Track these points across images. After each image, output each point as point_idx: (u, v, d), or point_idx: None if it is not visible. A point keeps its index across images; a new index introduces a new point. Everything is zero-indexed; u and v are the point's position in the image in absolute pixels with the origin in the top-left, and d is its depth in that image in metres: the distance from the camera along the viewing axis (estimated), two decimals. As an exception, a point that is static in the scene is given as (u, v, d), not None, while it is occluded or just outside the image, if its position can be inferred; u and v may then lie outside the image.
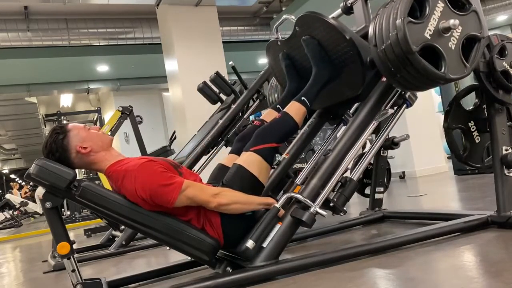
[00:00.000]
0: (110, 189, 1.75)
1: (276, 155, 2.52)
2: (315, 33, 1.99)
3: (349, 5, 2.39)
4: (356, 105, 2.36)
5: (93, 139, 1.74)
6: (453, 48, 1.67)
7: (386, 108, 1.96)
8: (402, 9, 1.61)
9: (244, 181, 1.75)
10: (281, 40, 2.21)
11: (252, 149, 1.80)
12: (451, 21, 1.62)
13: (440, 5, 1.66)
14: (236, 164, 1.81)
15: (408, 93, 1.99)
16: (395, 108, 2.01)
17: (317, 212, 1.69)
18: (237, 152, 1.98)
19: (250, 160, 1.79)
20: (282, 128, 1.89)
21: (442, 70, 1.64)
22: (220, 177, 1.88)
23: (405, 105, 2.00)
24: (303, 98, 1.95)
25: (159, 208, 1.64)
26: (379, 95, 1.94)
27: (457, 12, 1.69)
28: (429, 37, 1.63)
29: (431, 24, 1.64)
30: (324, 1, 6.34)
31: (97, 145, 1.74)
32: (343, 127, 2.08)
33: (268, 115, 2.10)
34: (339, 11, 2.49)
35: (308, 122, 2.37)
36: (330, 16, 2.66)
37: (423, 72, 1.64)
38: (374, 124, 1.92)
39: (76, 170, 1.74)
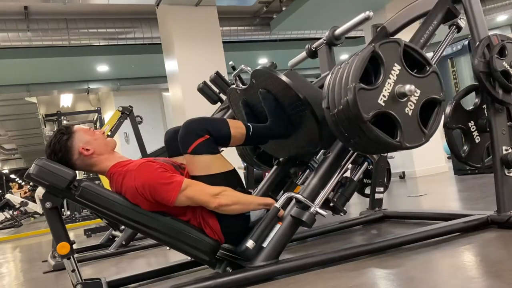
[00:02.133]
0: (110, 189, 1.75)
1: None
2: (270, 88, 1.91)
3: (313, 49, 2.38)
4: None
5: (97, 142, 1.74)
6: (410, 114, 1.58)
7: (346, 165, 1.86)
8: (353, 74, 1.52)
9: (220, 184, 1.69)
10: (240, 89, 2.13)
11: (190, 150, 1.68)
12: (407, 87, 1.54)
13: (397, 68, 1.58)
14: (195, 176, 1.71)
15: None
16: (356, 166, 1.95)
17: (317, 212, 1.69)
18: (176, 153, 1.86)
19: (203, 165, 1.69)
20: (214, 124, 1.76)
21: (398, 138, 1.55)
22: None
23: (366, 163, 1.94)
24: (249, 124, 1.87)
25: (159, 207, 1.64)
26: (337, 152, 1.84)
27: (415, 74, 1.62)
28: (383, 104, 1.54)
29: (385, 90, 1.55)
30: (324, 2, 6.35)
31: (101, 148, 1.74)
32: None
33: None
34: (304, 54, 2.49)
35: (274, 167, 2.32)
36: (294, 59, 2.65)
37: (376, 140, 1.55)
38: (333, 181, 1.81)
39: (76, 171, 1.74)
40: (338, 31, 2.26)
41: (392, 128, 1.57)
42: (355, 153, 1.85)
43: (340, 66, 1.65)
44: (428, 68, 1.66)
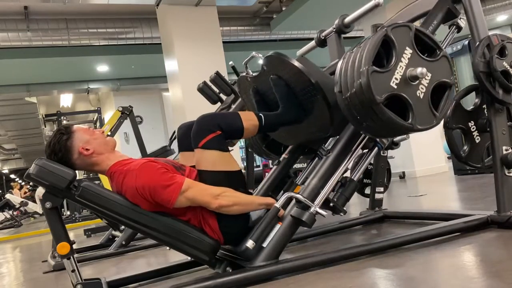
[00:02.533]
0: (110, 189, 1.75)
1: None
2: (282, 74, 1.93)
3: (322, 38, 2.38)
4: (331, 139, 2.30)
5: (96, 141, 1.74)
6: (421, 96, 1.60)
7: (357, 150, 1.88)
8: (366, 57, 1.54)
9: (223, 182, 1.71)
10: (251, 76, 2.14)
11: (201, 145, 1.72)
12: (419, 70, 1.56)
13: (408, 51, 1.60)
14: (201, 170, 1.73)
15: None
16: (367, 150, 1.96)
17: (317, 212, 1.69)
18: (187, 148, 1.88)
19: (210, 160, 1.72)
20: (226, 118, 1.80)
21: (410, 120, 1.57)
22: None
23: (376, 148, 1.95)
24: (261, 114, 1.88)
25: (159, 207, 1.64)
26: (348, 137, 1.86)
27: (426, 58, 1.64)
28: (395, 87, 1.56)
29: (397, 73, 1.57)
30: (324, 2, 6.35)
31: (100, 148, 1.74)
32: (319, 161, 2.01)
33: None
34: (313, 43, 2.49)
35: (282, 156, 2.31)
36: (304, 48, 2.65)
37: (388, 123, 1.57)
38: (343, 167, 1.84)
39: (76, 170, 1.74)
40: (347, 19, 2.26)
41: (403, 111, 1.59)
42: (365, 139, 1.87)
43: (352, 50, 1.66)
44: (438, 52, 1.68)
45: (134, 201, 1.64)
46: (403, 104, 1.59)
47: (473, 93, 2.09)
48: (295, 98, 1.94)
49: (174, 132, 5.56)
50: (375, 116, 1.56)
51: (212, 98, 3.62)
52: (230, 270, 1.73)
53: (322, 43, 2.41)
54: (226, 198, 1.66)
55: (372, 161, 2.75)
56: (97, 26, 6.66)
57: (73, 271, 1.55)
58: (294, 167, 2.49)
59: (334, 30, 2.32)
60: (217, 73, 3.48)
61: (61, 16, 6.45)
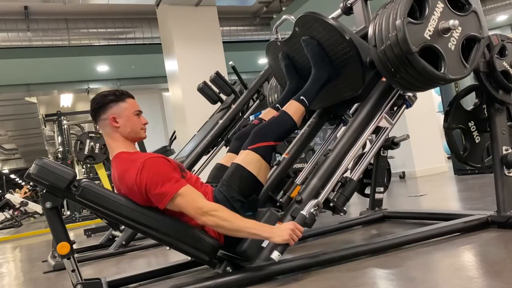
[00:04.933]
0: (110, 189, 1.75)
1: (276, 155, 2.52)
2: (314, 34, 1.99)
3: (349, 5, 2.39)
4: (356, 105, 2.36)
5: (129, 123, 1.76)
6: (452, 48, 1.67)
7: (386, 108, 1.94)
8: (401, 10, 1.62)
9: (243, 180, 1.74)
10: (281, 40, 2.21)
11: (250, 148, 1.79)
12: (451, 22, 1.62)
13: (440, 5, 1.67)
14: (235, 163, 1.80)
15: (408, 94, 1.99)
16: (395, 108, 2.01)
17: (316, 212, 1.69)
18: (235, 151, 1.97)
19: (248, 159, 1.78)
20: (280, 126, 1.88)
21: (442, 70, 1.64)
22: (219, 177, 1.88)
23: (404, 106, 1.99)
24: (302, 97, 1.94)
25: (150, 203, 1.63)
26: (378, 96, 1.94)
27: (456, 12, 1.69)
28: (429, 38, 1.63)
29: (430, 25, 1.64)
30: (324, 1, 6.35)
31: (126, 130, 1.76)
32: (343, 127, 2.08)
33: (267, 114, 2.09)
34: (339, 11, 2.49)
35: (308, 122, 2.37)
36: (330, 17, 2.66)
37: (422, 72, 1.64)
38: (374, 124, 1.92)
39: (76, 170, 1.74)
40: None
41: (435, 63, 1.65)
42: (394, 98, 1.94)
43: (385, 7, 1.73)
44: (468, 7, 1.72)
45: (130, 192, 1.65)
46: (434, 57, 1.65)
47: (473, 93, 2.09)
48: (327, 57, 1.99)
49: (174, 132, 5.57)
50: (410, 66, 1.63)
51: (212, 98, 3.62)
52: (230, 270, 1.73)
53: (348, 10, 2.41)
54: (212, 219, 1.57)
55: (372, 161, 2.75)
56: (97, 26, 6.66)
57: (73, 271, 1.55)
58: (294, 167, 2.49)
59: None
60: (217, 73, 3.48)
61: (61, 16, 6.45)
